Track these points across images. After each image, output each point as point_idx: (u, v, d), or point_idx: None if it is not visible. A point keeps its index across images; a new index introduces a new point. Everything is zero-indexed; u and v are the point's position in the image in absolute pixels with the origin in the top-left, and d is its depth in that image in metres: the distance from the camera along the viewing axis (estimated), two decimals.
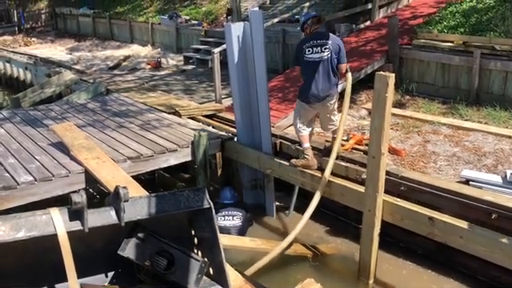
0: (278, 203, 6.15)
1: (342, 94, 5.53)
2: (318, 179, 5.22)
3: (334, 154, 5.18)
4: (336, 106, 5.37)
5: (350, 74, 5.32)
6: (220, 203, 5.74)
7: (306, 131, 5.33)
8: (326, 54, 5.05)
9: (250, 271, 4.49)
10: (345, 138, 6.22)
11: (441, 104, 7.41)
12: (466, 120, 6.71)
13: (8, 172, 5.04)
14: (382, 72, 4.26)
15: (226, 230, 5.38)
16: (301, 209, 5.98)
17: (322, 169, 5.39)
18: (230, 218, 5.54)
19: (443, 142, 6.08)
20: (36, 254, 3.07)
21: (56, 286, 3.12)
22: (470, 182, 4.82)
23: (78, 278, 2.88)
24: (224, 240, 3.88)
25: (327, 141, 5.95)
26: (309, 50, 5.08)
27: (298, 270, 4.87)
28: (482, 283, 4.57)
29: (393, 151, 5.72)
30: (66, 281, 2.84)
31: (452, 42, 7.79)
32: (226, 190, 5.95)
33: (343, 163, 5.43)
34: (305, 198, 5.96)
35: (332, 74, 5.12)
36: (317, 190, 5.06)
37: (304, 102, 5.23)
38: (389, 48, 8.29)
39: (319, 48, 5.06)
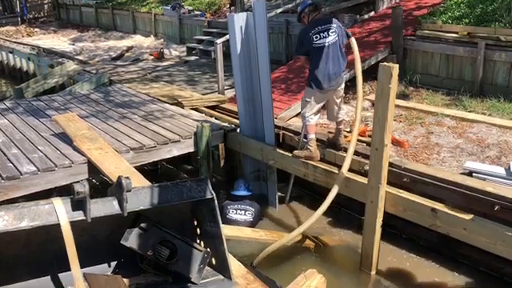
0: (280, 194, 6.16)
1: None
2: (320, 170, 5.22)
3: (351, 149, 4.98)
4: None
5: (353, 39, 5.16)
6: (235, 195, 5.72)
7: (313, 120, 5.28)
8: (332, 37, 5.05)
9: (257, 260, 4.52)
10: (347, 129, 6.22)
11: (444, 95, 7.37)
12: (469, 111, 6.67)
13: (11, 162, 5.06)
14: (385, 63, 4.23)
15: (236, 224, 5.40)
16: (300, 198, 6.03)
17: (325, 160, 5.38)
18: (242, 213, 5.54)
19: (447, 133, 6.06)
20: (39, 244, 3.09)
21: (59, 275, 3.14)
22: (474, 174, 4.80)
23: (81, 267, 2.90)
24: (226, 231, 3.89)
25: (330, 132, 5.94)
26: (316, 37, 5.06)
27: (300, 261, 4.88)
28: (484, 274, 4.57)
29: (396, 143, 5.71)
30: (69, 270, 2.86)
31: (456, 32, 7.73)
32: (240, 182, 5.88)
33: (345, 154, 5.42)
34: (303, 187, 5.99)
35: (341, 56, 5.13)
36: (334, 184, 4.90)
37: (317, 88, 5.13)
38: (393, 39, 8.24)
39: (326, 32, 5.05)
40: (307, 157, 5.33)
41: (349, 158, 4.96)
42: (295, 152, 5.47)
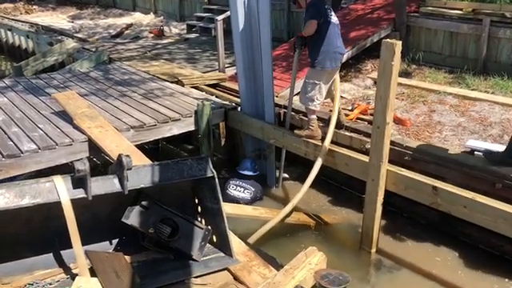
0: (285, 175, 6.14)
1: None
2: (321, 149, 5.21)
3: (333, 121, 5.19)
4: None
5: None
6: (240, 173, 5.75)
7: (319, 104, 5.25)
8: (336, 19, 5.11)
9: (252, 239, 4.55)
10: (349, 107, 6.19)
11: (447, 73, 7.32)
12: (472, 90, 6.63)
13: (12, 140, 5.05)
14: (388, 39, 4.19)
15: (233, 200, 5.45)
16: (301, 177, 6.02)
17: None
18: (241, 190, 5.60)
19: (449, 111, 6.03)
20: (40, 221, 3.11)
21: (61, 252, 3.16)
22: (475, 152, 4.80)
23: (83, 245, 2.93)
24: (227, 208, 3.90)
25: (331, 111, 5.90)
26: (329, 11, 5.05)
27: (300, 239, 4.92)
28: (484, 252, 4.60)
29: (398, 121, 5.69)
30: (71, 247, 2.88)
31: (461, 9, 7.63)
32: (247, 161, 5.90)
33: (347, 133, 5.42)
34: (304, 166, 5.98)
35: (341, 37, 5.18)
36: (318, 157, 5.05)
37: (327, 68, 5.04)
38: (396, 16, 8.13)
39: (333, 12, 5.09)
40: (308, 136, 5.31)
41: (331, 130, 5.12)
42: (296, 131, 5.45)
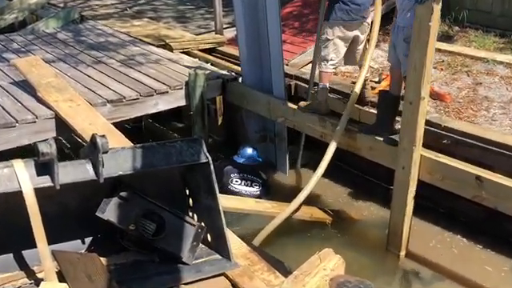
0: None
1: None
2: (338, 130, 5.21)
3: (356, 91, 5.18)
4: None
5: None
6: (237, 163, 5.73)
7: (334, 65, 5.26)
8: None
9: (257, 240, 4.59)
10: (376, 79, 6.17)
11: (498, 37, 7.26)
12: None
13: None
14: None
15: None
16: (315, 163, 6.03)
17: (339, 115, 5.35)
18: (248, 183, 5.61)
19: (499, 84, 6.01)
20: None
21: (23, 252, 3.19)
22: None
23: (50, 243, 2.95)
24: (224, 201, 3.93)
25: (353, 82, 5.88)
26: None
27: (314, 239, 4.96)
28: None
29: (435, 95, 5.68)
30: (35, 247, 2.91)
31: None
32: (247, 147, 5.88)
33: (372, 110, 5.40)
34: (319, 149, 5.99)
35: None
36: (332, 140, 5.06)
37: (343, 20, 5.04)
38: None
39: None
40: (313, 108, 5.34)
41: (349, 107, 5.11)
42: (301, 103, 5.48)
